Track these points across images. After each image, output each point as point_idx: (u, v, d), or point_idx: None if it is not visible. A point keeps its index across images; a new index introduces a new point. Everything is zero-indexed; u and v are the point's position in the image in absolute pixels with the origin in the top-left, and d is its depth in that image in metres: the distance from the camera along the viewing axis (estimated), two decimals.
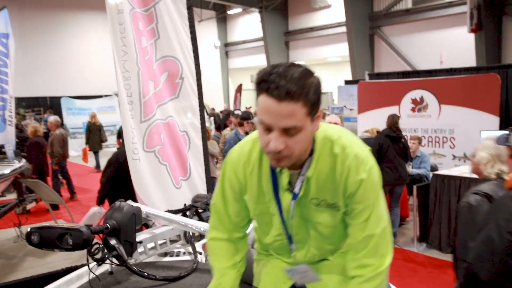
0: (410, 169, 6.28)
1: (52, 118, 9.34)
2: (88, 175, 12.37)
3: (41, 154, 8.18)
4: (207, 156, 3.66)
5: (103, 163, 12.48)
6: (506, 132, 2.18)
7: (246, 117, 6.32)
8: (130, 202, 2.63)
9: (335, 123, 5.10)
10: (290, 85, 1.21)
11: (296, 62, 1.33)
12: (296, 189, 1.44)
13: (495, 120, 6.62)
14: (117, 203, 2.53)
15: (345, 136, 1.43)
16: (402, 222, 6.49)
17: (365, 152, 1.41)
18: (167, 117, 3.64)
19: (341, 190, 1.40)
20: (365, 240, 1.43)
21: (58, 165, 8.74)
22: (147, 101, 3.43)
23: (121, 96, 3.40)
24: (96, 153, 12.69)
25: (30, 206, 7.78)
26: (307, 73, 1.28)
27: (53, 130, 9.01)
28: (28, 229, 2.22)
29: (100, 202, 4.44)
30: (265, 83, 1.25)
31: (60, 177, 9.15)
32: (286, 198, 1.49)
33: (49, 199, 6.78)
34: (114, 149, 11.65)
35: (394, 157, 5.66)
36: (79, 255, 5.59)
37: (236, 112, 6.97)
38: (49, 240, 2.15)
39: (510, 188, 1.96)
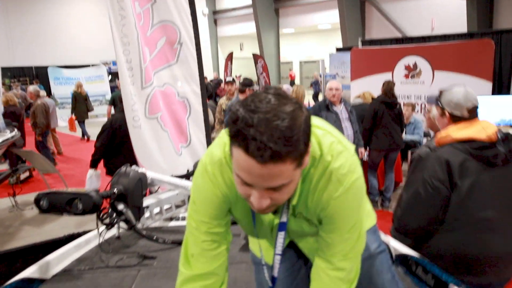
0: (404, 135, 6.33)
1: (32, 88, 9.10)
2: (76, 145, 12.27)
3: (17, 124, 8.04)
4: (208, 122, 3.64)
5: (89, 132, 12.52)
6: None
7: (248, 83, 5.99)
8: (135, 167, 2.63)
9: (336, 89, 5.07)
10: (275, 145, 0.93)
11: (280, 91, 1.01)
12: (284, 218, 1.28)
13: (488, 85, 6.66)
14: (123, 168, 2.53)
15: (329, 148, 1.17)
16: (395, 187, 6.58)
17: (347, 167, 1.16)
18: (164, 84, 3.59)
19: (314, 207, 1.23)
20: (331, 262, 1.28)
21: (42, 135, 8.60)
22: (147, 67, 3.38)
23: (119, 62, 3.35)
24: (82, 123, 12.62)
25: (23, 176, 7.75)
26: (295, 115, 0.97)
27: (34, 100, 8.78)
28: (36, 195, 2.21)
29: (93, 165, 4.44)
30: (243, 138, 0.94)
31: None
32: (265, 216, 1.31)
33: (43, 169, 6.72)
34: (104, 119, 11.52)
35: (389, 123, 5.68)
36: (77, 224, 5.62)
37: (228, 79, 6.66)
38: (58, 204, 2.15)
39: (439, 144, 2.17)
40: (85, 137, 12.63)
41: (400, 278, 1.93)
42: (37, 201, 2.17)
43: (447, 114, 2.20)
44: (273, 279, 1.42)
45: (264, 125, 0.93)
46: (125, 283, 2.09)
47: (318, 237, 1.30)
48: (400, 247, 2.10)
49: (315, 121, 1.19)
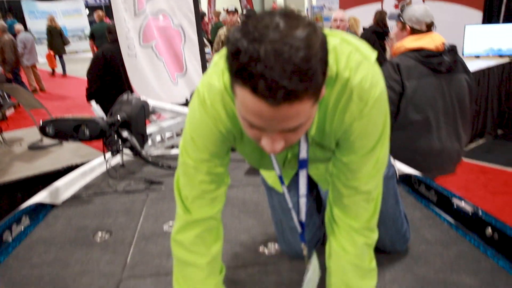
0: None
1: None
2: (58, 81, 12.03)
3: None
4: (203, 51, 3.57)
5: (70, 68, 12.21)
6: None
7: (252, 15, 5.82)
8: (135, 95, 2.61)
9: (341, 20, 4.96)
10: (290, 82, 0.75)
11: (288, 11, 0.81)
12: (303, 154, 1.12)
13: (478, 14, 6.60)
14: (125, 96, 2.51)
15: (347, 60, 0.99)
16: None
17: (369, 80, 0.99)
18: (157, 11, 3.49)
19: (333, 132, 1.08)
20: (349, 195, 1.16)
21: (11, 72, 8.36)
22: None
23: None
24: (60, 57, 12.28)
25: (8, 112, 7.62)
26: (310, 41, 0.77)
27: (0, 36, 8.46)
28: (41, 122, 2.20)
29: (90, 98, 4.31)
30: (248, 76, 0.76)
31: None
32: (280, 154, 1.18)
33: (29, 104, 6.61)
34: (85, 55, 11.14)
35: (380, 53, 5.67)
36: (68, 158, 5.62)
37: (230, 8, 6.30)
38: (64, 131, 2.15)
39: (395, 54, 2.49)
40: (61, 72, 12.35)
41: (404, 197, 2.03)
42: (42, 128, 2.16)
43: (408, 28, 2.45)
44: (301, 224, 1.31)
45: (273, 59, 0.74)
46: (135, 206, 2.14)
47: (336, 161, 1.16)
48: (403, 168, 2.17)
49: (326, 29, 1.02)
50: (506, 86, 5.28)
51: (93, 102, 3.19)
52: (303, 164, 1.14)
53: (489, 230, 1.62)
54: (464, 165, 4.43)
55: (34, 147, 6.02)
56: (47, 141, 5.27)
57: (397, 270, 1.54)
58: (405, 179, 2.15)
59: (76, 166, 2.90)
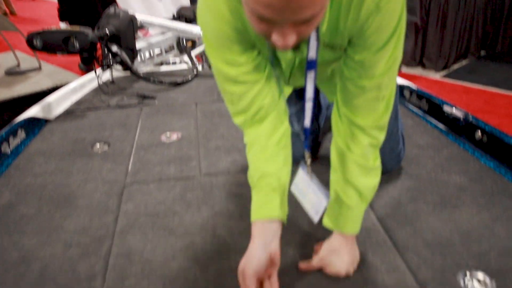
0: None
1: None
2: (25, 5, 11.40)
3: None
4: None
5: None
6: None
7: None
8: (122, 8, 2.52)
9: None
10: None
11: None
12: (312, 54, 1.04)
13: None
14: (111, 9, 2.42)
15: None
16: None
17: None
18: None
19: (348, 29, 1.01)
20: (361, 93, 1.09)
21: None
22: None
23: None
24: None
25: None
26: None
27: None
28: (28, 35, 2.12)
29: (62, 18, 4.06)
30: None
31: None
32: (285, 55, 1.14)
33: (2, 28, 6.32)
34: None
35: None
36: (48, 82, 5.49)
37: None
38: (53, 43, 2.08)
39: None
40: None
41: None
42: (29, 41, 2.08)
43: None
44: (305, 132, 1.24)
45: None
46: (131, 120, 2.14)
47: (347, 60, 1.09)
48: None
49: None
50: (492, 7, 5.25)
51: (62, 24, 3.00)
52: (311, 65, 1.07)
53: (478, 134, 1.69)
54: (447, 86, 4.51)
55: (12, 72, 5.86)
56: (24, 66, 5.13)
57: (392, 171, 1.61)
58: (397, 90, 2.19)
59: (61, 85, 2.85)
